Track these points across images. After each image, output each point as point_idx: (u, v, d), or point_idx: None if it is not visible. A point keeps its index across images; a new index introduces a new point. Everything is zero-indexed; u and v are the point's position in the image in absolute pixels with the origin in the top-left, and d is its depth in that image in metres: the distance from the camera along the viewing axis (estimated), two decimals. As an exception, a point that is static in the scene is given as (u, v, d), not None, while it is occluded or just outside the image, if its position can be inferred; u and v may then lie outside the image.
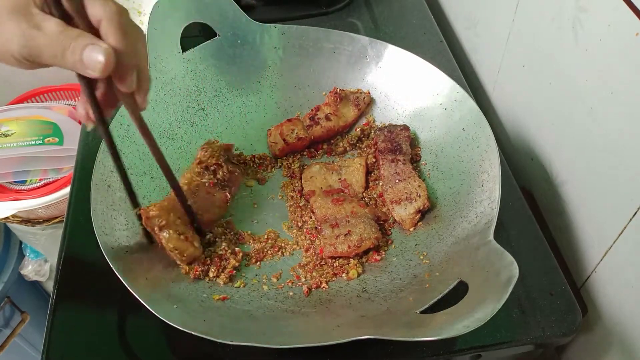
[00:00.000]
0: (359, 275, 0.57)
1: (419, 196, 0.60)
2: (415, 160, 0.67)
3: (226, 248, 0.58)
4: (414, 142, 0.68)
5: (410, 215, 0.60)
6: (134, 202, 0.54)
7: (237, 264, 0.57)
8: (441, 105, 0.66)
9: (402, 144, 0.65)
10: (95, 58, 0.38)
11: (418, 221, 0.60)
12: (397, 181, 0.62)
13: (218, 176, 0.61)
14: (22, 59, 0.39)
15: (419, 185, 0.61)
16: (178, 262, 0.55)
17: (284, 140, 0.68)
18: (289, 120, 0.69)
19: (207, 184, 0.61)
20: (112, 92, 0.44)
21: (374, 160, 0.67)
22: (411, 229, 0.60)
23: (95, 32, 0.40)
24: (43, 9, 0.39)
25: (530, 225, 0.62)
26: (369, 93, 0.72)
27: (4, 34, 0.38)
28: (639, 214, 0.49)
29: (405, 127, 0.67)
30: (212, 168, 0.61)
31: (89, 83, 0.43)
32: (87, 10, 0.39)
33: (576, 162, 0.59)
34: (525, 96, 0.70)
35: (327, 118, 0.69)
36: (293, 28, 0.74)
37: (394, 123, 0.70)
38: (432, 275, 0.52)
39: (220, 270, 0.56)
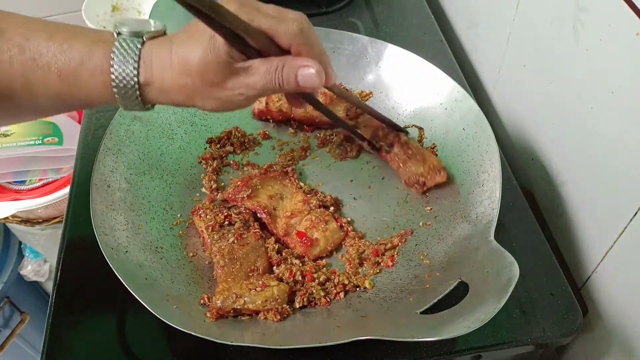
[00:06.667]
0: (372, 287, 0.55)
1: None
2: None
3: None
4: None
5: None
6: None
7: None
8: (441, 105, 0.66)
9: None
10: (310, 77, 0.43)
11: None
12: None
13: (235, 224, 0.57)
14: (244, 105, 0.45)
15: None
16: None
17: (266, 102, 0.69)
18: None
19: (235, 241, 0.55)
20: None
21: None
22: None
23: (286, 52, 0.44)
24: (242, 58, 0.42)
25: (531, 225, 0.62)
26: (368, 96, 0.72)
27: (230, 96, 0.43)
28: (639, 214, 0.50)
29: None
30: (225, 223, 0.58)
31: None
32: (276, 40, 0.43)
33: (576, 162, 0.59)
34: (525, 96, 0.69)
35: None
36: (293, 28, 0.73)
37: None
38: (433, 276, 0.52)
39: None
